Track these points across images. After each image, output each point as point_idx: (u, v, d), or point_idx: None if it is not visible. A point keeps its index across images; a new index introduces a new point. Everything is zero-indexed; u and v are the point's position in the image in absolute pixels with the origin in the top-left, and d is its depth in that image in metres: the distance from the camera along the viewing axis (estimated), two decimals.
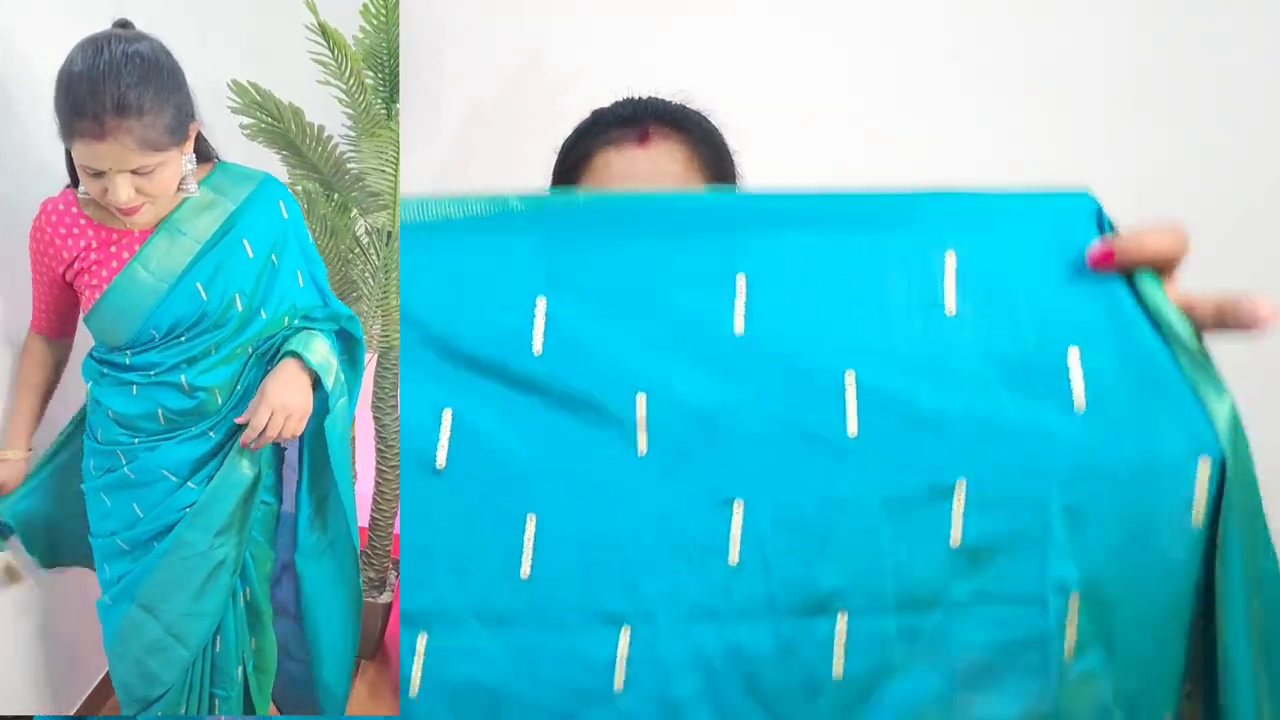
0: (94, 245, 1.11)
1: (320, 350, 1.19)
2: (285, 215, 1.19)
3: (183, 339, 1.13)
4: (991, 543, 0.60)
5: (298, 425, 1.17)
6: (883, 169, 1.12)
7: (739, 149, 1.01)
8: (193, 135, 1.08)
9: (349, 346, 1.28)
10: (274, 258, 1.17)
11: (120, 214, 1.06)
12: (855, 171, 0.96)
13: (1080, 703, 0.63)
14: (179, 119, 1.03)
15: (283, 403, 1.14)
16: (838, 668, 0.63)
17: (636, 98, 0.99)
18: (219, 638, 1.25)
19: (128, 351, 1.13)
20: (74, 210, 1.11)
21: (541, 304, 0.61)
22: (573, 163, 0.96)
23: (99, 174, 1.00)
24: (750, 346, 0.60)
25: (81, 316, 1.16)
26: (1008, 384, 0.61)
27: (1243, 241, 1.47)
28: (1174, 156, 1.60)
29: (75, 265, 1.12)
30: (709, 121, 0.98)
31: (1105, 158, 1.55)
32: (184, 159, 1.07)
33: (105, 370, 1.16)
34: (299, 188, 1.59)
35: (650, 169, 0.91)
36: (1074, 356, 0.62)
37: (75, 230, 1.11)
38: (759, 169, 1.04)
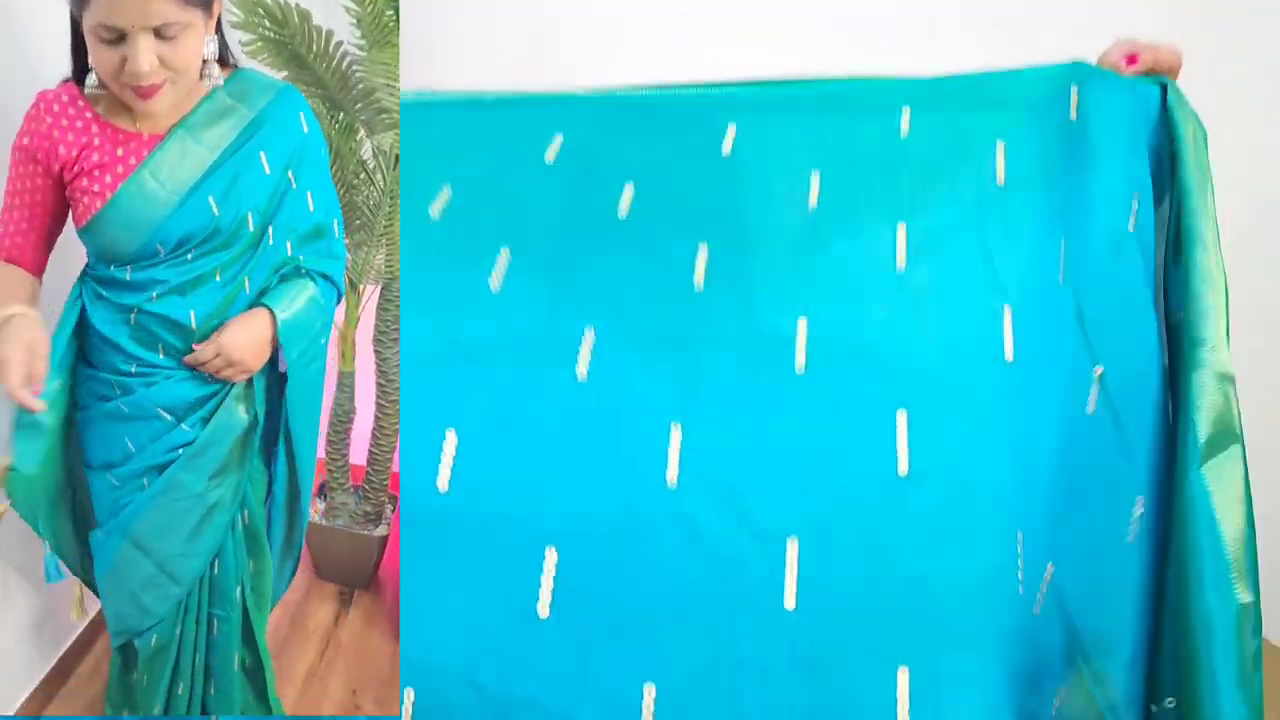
0: (97, 144, 1.00)
1: (296, 316, 1.11)
2: (305, 129, 1.11)
3: (189, 257, 1.04)
4: None
5: (240, 377, 1.11)
6: None
7: None
8: (217, 11, 0.98)
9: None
10: (290, 174, 1.09)
11: (136, 97, 0.95)
12: None
13: None
14: None
15: (233, 358, 1.07)
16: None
17: None
18: (218, 561, 1.21)
19: (128, 267, 1.04)
20: (79, 103, 1.01)
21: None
22: None
23: (117, 40, 0.90)
24: None
25: (77, 228, 1.05)
26: None
27: (1243, 243, 1.46)
28: None
29: (77, 165, 1.00)
30: None
31: None
32: (206, 39, 0.97)
33: (103, 291, 1.06)
34: None
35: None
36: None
37: (79, 124, 1.00)
38: None
